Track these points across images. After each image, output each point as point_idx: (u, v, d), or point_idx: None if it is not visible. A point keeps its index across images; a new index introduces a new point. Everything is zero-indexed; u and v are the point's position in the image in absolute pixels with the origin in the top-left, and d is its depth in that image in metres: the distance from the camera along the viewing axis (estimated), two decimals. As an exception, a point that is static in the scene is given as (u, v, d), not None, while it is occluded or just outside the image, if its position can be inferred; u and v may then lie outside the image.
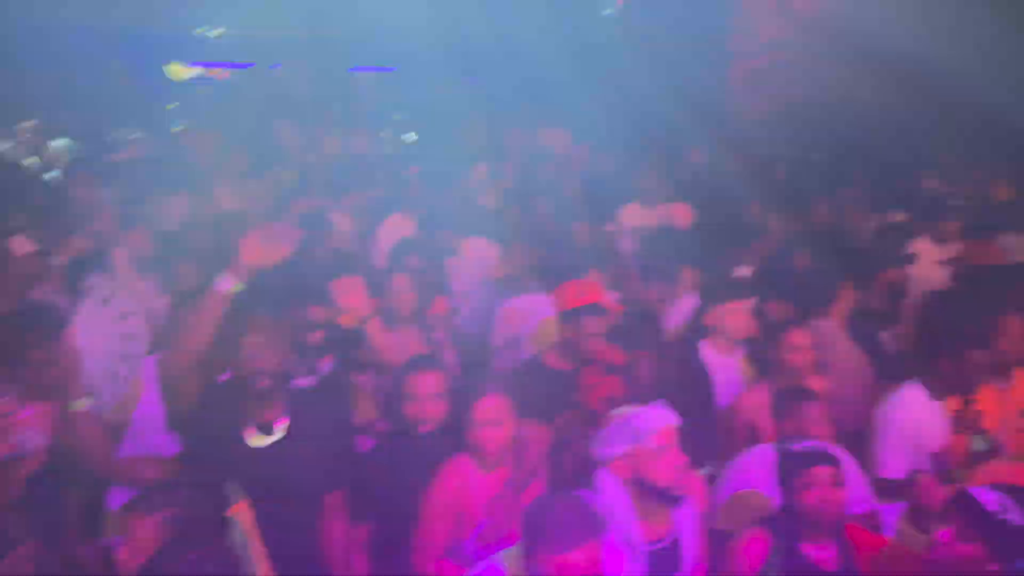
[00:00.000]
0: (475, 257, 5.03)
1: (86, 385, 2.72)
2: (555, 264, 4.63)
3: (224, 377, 2.57)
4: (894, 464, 3.27)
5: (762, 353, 3.68)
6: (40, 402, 2.67)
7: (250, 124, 8.77)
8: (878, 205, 5.88)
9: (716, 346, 3.81)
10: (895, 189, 6.35)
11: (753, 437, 3.40)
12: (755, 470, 2.95)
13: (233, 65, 13.00)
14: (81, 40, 11.74)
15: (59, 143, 7.12)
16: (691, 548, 2.55)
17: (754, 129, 7.80)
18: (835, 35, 8.29)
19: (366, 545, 2.92)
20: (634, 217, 6.02)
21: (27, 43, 10.13)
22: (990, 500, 2.23)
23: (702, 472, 3.02)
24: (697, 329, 3.85)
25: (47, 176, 6.38)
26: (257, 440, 2.59)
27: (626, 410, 2.55)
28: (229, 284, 2.39)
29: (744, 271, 4.25)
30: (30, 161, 6.73)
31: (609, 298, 3.70)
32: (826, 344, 3.70)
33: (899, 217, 5.57)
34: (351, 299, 3.07)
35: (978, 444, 3.34)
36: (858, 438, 3.41)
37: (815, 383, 3.44)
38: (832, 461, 2.57)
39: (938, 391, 3.35)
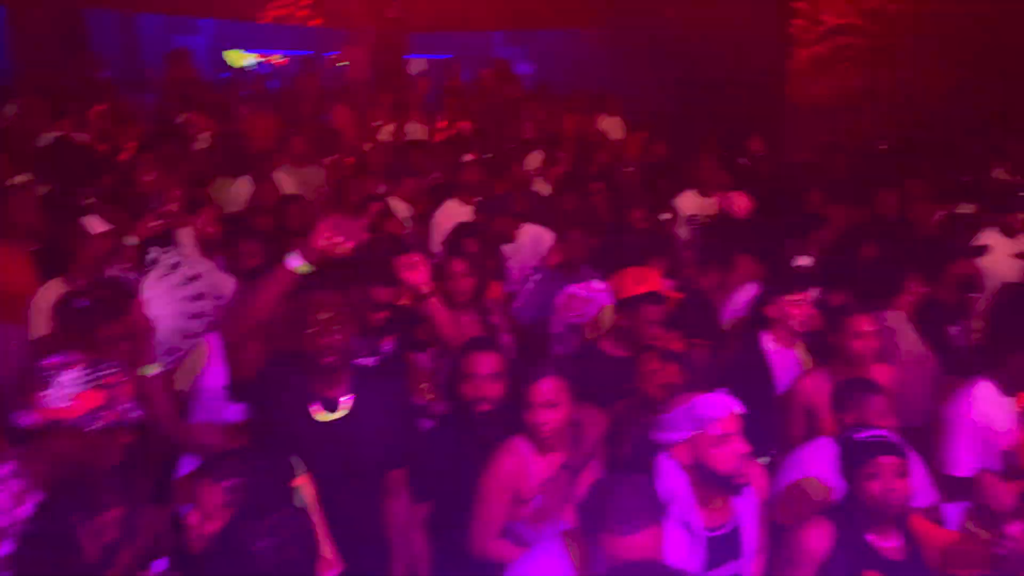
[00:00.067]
0: (531, 243, 5.05)
1: (154, 353, 2.81)
2: (611, 251, 4.64)
3: (290, 350, 2.63)
4: (963, 461, 3.19)
5: (824, 342, 3.61)
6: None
7: (308, 110, 8.91)
8: (946, 196, 5.72)
9: (777, 337, 3.75)
10: (963, 180, 6.17)
11: (810, 423, 3.35)
12: (816, 460, 2.90)
13: (291, 52, 13.21)
14: (148, 27, 12.06)
15: (127, 127, 7.31)
16: (751, 536, 2.53)
17: (816, 117, 7.65)
18: (901, 21, 8.07)
19: (425, 523, 2.97)
20: (690, 205, 5.97)
21: (97, 31, 10.46)
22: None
23: (762, 461, 2.99)
24: (757, 319, 3.80)
25: (117, 159, 6.57)
26: (322, 416, 2.64)
27: (689, 397, 2.53)
28: (298, 262, 2.44)
29: (806, 261, 4.18)
30: (101, 145, 6.94)
31: (667, 286, 3.68)
32: (891, 336, 3.62)
33: (968, 208, 5.41)
34: (414, 275, 3.11)
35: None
36: (921, 433, 3.34)
37: (879, 374, 3.37)
38: (897, 451, 2.52)
39: (1009, 387, 3.25)
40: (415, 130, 8.18)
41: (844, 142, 7.26)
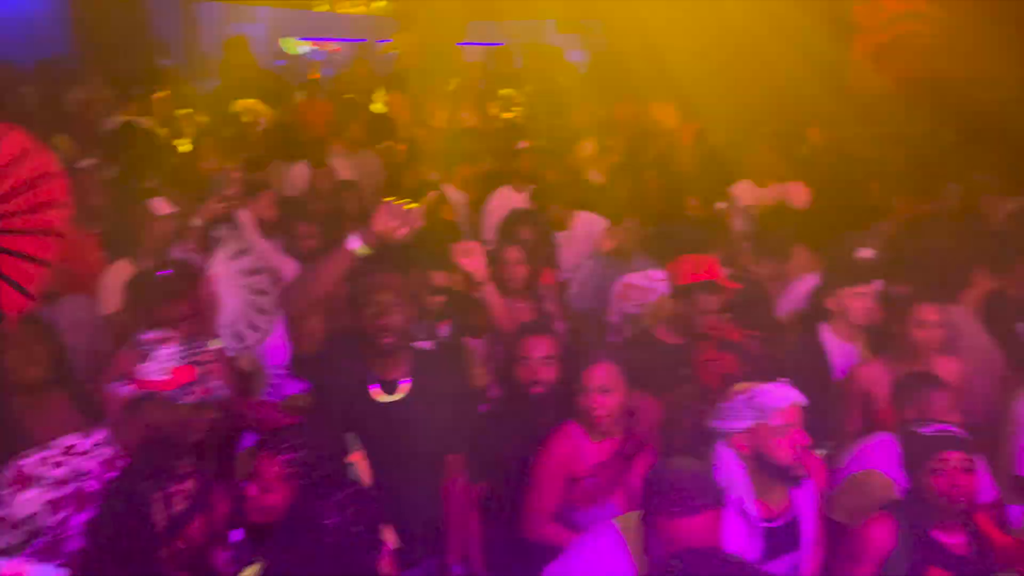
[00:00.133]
0: (584, 231, 5.04)
1: (218, 330, 2.89)
2: (665, 240, 4.60)
3: (350, 331, 2.67)
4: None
5: (885, 333, 3.53)
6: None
7: (362, 97, 8.99)
8: (1015, 187, 5.52)
9: (836, 330, 3.68)
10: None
11: (866, 414, 3.29)
12: (877, 455, 2.85)
13: (345, 40, 13.34)
14: (206, 15, 12.29)
15: (186, 113, 7.48)
16: (809, 528, 2.50)
17: (878, 106, 7.45)
18: (967, 7, 7.79)
19: (480, 506, 2.99)
20: (747, 195, 5.88)
21: (158, 18, 10.71)
22: None
23: (820, 453, 2.95)
24: (817, 311, 3.73)
25: (178, 144, 6.74)
26: (381, 397, 2.68)
27: (750, 386, 2.51)
28: (357, 245, 2.48)
29: (868, 253, 4.09)
30: (163, 130, 7.12)
31: (724, 275, 3.63)
32: (956, 331, 3.52)
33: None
34: (470, 263, 3.14)
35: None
36: (984, 431, 3.24)
37: (943, 368, 3.28)
38: (963, 446, 2.46)
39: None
40: (468, 117, 8.20)
41: (907, 132, 7.05)
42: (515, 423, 3.01)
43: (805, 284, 4.00)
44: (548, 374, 2.98)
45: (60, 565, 2.01)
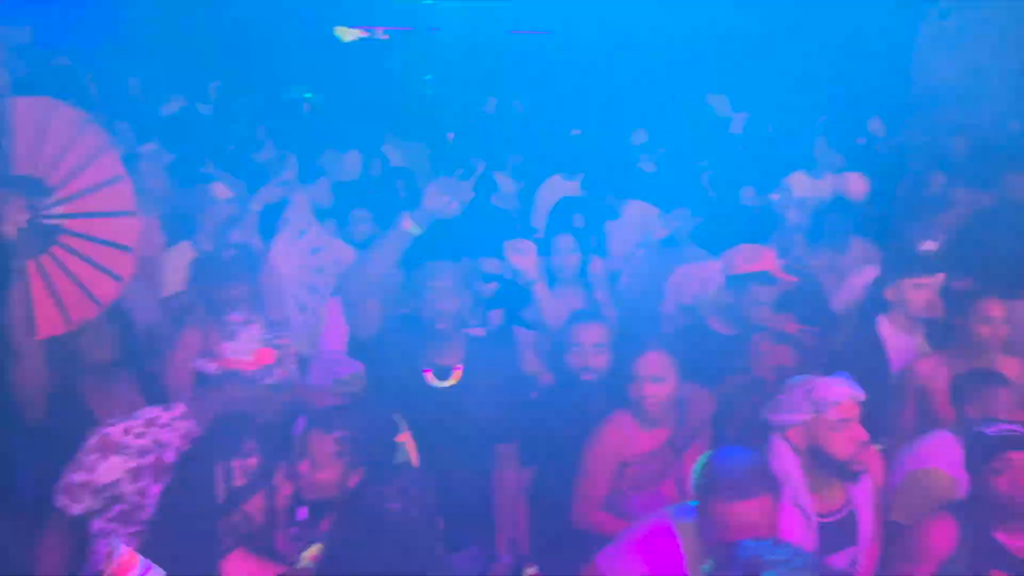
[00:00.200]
0: (636, 220, 5.00)
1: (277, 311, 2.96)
2: (717, 230, 4.55)
3: (406, 316, 2.70)
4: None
5: (946, 328, 3.44)
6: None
7: (412, 85, 9.05)
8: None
9: (894, 322, 3.59)
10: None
11: (921, 410, 3.22)
12: (937, 453, 2.79)
13: (394, 28, 13.41)
14: (259, 4, 12.46)
15: (240, 101, 7.62)
16: (867, 524, 2.46)
17: (942, 94, 7.23)
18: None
19: (528, 492, 3.01)
20: (802, 186, 5.77)
21: (213, 10, 10.89)
22: None
23: (877, 447, 2.89)
24: (875, 303, 3.65)
25: (232, 130, 6.86)
26: (434, 382, 2.71)
27: (808, 379, 2.47)
28: (409, 224, 2.50)
29: (930, 245, 3.98)
30: (219, 116, 7.27)
31: (780, 266, 3.58)
32: (1021, 329, 3.41)
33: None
34: (522, 260, 3.16)
35: None
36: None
37: (1006, 366, 3.19)
38: (1029, 447, 2.39)
39: None
40: (520, 105, 8.20)
41: (970, 123, 6.84)
42: (565, 410, 3.01)
43: (863, 276, 3.92)
44: (599, 362, 2.98)
45: (134, 533, 2.09)
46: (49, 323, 2.64)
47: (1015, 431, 2.43)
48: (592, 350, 2.97)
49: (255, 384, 2.33)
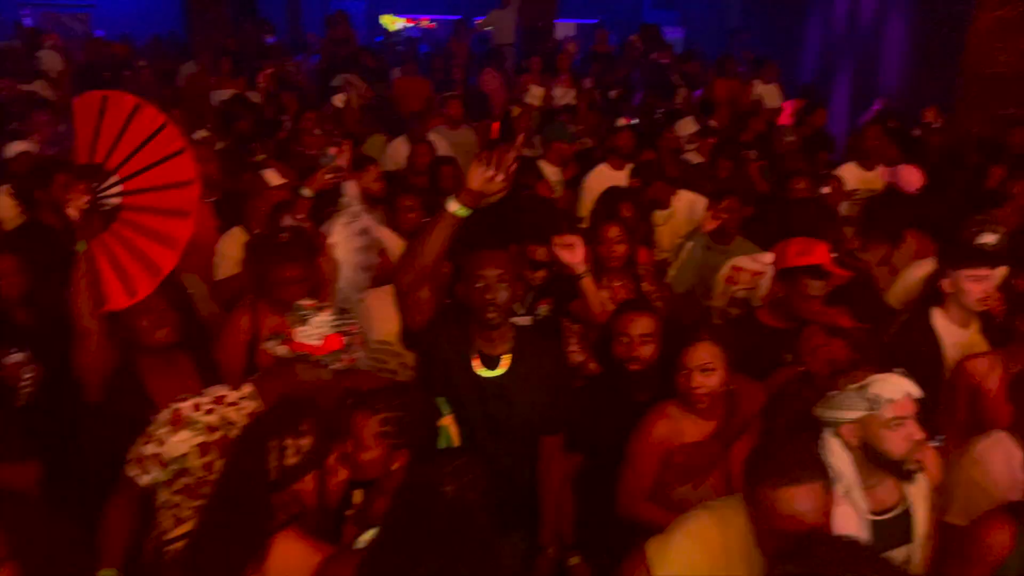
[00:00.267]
0: (685, 210, 4.96)
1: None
2: (768, 222, 4.48)
3: (457, 304, 2.71)
4: None
5: (1003, 326, 3.35)
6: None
7: (457, 74, 9.05)
8: None
9: (949, 315, 3.51)
10: None
11: (976, 406, 3.14)
12: (994, 453, 2.72)
13: (440, 16, 13.45)
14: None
15: (288, 94, 7.71)
16: (922, 523, 2.41)
17: (999, 86, 7.01)
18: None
19: (574, 482, 3.01)
20: (852, 178, 5.66)
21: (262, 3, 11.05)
22: None
23: (934, 445, 2.84)
24: (930, 298, 3.57)
25: (282, 118, 6.95)
26: (483, 371, 2.72)
27: (862, 375, 2.42)
28: (456, 207, 2.49)
29: (991, 239, 3.88)
30: (268, 105, 7.36)
31: (832, 260, 3.52)
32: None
33: None
34: (570, 255, 3.15)
35: None
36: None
37: (1066, 367, 3.09)
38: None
39: None
40: (563, 95, 8.16)
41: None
42: (611, 400, 3.00)
43: (920, 270, 3.83)
44: (646, 352, 2.96)
45: (197, 507, 2.14)
46: (114, 297, 2.74)
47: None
48: (639, 341, 2.96)
49: (322, 368, 2.37)
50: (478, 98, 7.58)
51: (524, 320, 3.31)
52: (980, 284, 3.41)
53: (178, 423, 2.31)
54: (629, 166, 5.44)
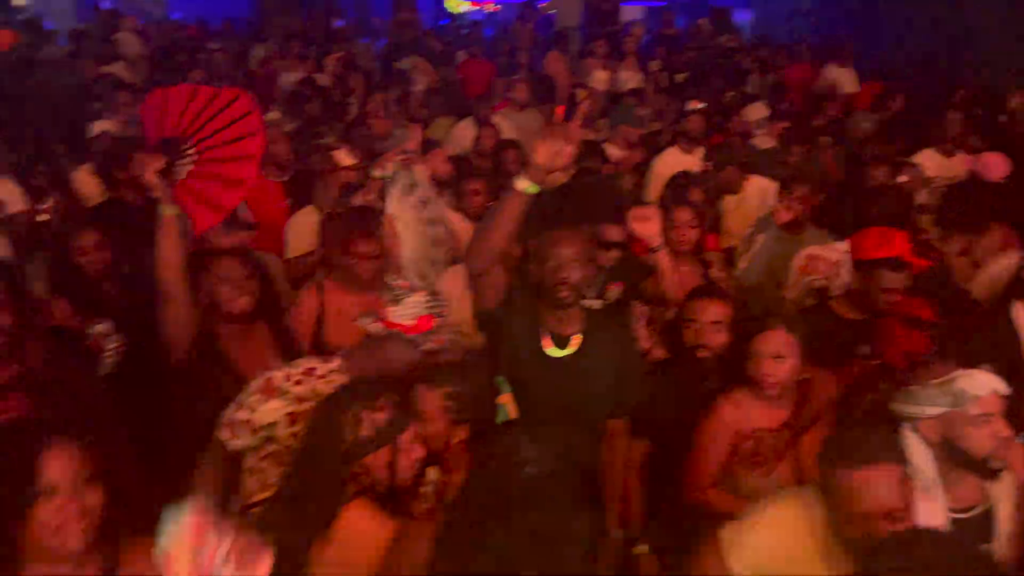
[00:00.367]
0: (756, 196, 4.86)
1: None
2: (844, 211, 4.36)
3: (529, 284, 2.71)
4: None
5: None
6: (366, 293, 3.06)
7: (522, 57, 9.02)
8: None
9: (1033, 309, 3.36)
10: None
11: None
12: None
13: (505, 0, 13.41)
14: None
15: (356, 77, 7.80)
16: (1007, 522, 2.33)
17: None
18: None
19: (641, 468, 2.99)
20: (931, 165, 5.46)
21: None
22: None
23: (1021, 443, 2.73)
24: (1014, 290, 3.43)
25: (349, 101, 7.04)
26: (552, 351, 2.71)
27: (942, 369, 2.34)
28: (525, 184, 2.47)
29: (1078, 231, 3.70)
30: (336, 88, 7.46)
31: (912, 252, 3.40)
32: None
33: None
34: (645, 227, 3.11)
35: None
36: None
37: None
38: None
39: None
40: (629, 78, 8.07)
41: None
42: (680, 386, 2.97)
43: (1007, 262, 3.68)
44: (717, 339, 2.93)
45: (281, 474, 2.20)
46: (203, 219, 2.90)
47: None
48: (710, 327, 2.93)
49: (412, 348, 2.40)
50: (544, 81, 7.53)
51: (594, 302, 3.29)
52: None
53: (270, 392, 2.35)
54: (699, 150, 5.35)
